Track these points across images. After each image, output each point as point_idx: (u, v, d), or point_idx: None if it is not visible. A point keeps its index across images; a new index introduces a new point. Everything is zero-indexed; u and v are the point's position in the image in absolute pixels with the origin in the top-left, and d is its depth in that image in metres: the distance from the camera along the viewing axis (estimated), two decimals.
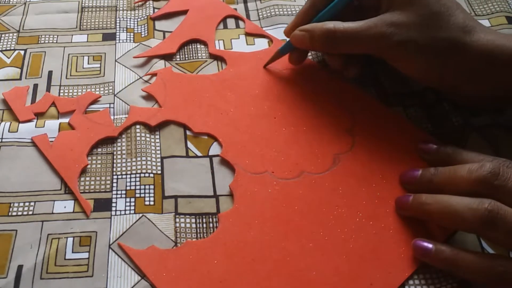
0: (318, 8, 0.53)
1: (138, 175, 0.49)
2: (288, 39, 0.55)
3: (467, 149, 0.48)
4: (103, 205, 0.47)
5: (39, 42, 0.60)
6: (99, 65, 0.58)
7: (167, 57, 0.59)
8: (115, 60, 0.59)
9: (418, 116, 0.53)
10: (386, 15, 0.48)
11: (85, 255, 0.44)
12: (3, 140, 0.51)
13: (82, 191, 0.48)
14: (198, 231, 0.46)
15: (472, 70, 0.47)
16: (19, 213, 0.46)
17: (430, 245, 0.42)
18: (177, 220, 0.46)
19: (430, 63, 0.48)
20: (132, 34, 0.62)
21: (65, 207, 0.47)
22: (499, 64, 0.46)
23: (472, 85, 0.49)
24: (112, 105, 0.54)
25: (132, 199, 0.47)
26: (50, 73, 0.57)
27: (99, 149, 0.51)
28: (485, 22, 0.62)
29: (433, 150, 0.48)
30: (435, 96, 0.54)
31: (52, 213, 0.46)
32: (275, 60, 0.57)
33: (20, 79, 0.57)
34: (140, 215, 0.46)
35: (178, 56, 0.59)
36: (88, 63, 0.58)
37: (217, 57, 0.59)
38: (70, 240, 0.45)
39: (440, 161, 0.47)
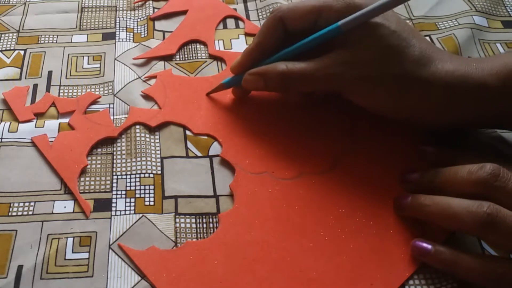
0: (266, 46, 0.51)
1: (138, 175, 0.49)
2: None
3: (467, 150, 0.49)
4: (103, 205, 0.47)
5: (39, 42, 0.60)
6: (98, 65, 0.58)
7: (167, 57, 0.59)
8: (115, 59, 0.58)
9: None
10: (339, 53, 0.47)
11: (85, 255, 0.44)
12: (3, 140, 0.51)
13: (82, 191, 0.48)
14: (198, 231, 0.45)
15: (432, 102, 0.46)
16: (19, 213, 0.46)
17: (429, 246, 0.42)
18: (177, 220, 0.46)
19: (386, 98, 0.47)
20: (131, 34, 0.62)
21: (65, 207, 0.47)
22: (460, 95, 0.45)
23: (430, 115, 0.47)
24: (112, 105, 0.54)
25: (132, 199, 0.47)
26: (50, 73, 0.57)
27: (99, 149, 0.51)
28: (483, 21, 0.62)
29: (434, 150, 0.48)
30: None
31: (52, 213, 0.46)
32: (218, 91, 0.55)
33: (20, 79, 0.57)
34: (140, 215, 0.46)
35: (178, 57, 0.59)
36: (88, 63, 0.58)
37: (217, 58, 0.59)
38: (70, 240, 0.45)
39: (440, 162, 0.47)
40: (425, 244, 0.42)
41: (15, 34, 0.61)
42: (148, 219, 0.46)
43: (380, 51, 0.46)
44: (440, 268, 0.42)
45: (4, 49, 0.59)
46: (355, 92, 0.48)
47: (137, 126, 0.52)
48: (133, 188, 0.48)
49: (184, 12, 0.64)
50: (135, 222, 0.46)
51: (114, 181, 0.48)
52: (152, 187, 0.48)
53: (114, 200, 0.47)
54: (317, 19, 0.48)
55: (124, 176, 0.49)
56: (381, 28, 0.46)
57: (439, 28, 0.62)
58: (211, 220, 0.46)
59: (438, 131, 0.51)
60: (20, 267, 0.43)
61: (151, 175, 0.49)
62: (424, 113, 0.47)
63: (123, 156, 0.50)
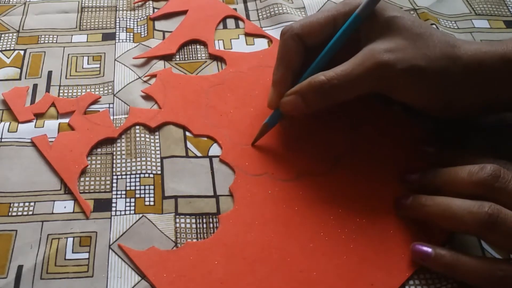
0: (294, 70, 0.49)
1: (138, 175, 0.49)
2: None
3: (467, 150, 0.49)
4: (103, 205, 0.47)
5: (39, 42, 0.60)
6: (98, 65, 0.58)
7: (167, 57, 0.59)
8: (115, 59, 0.58)
9: (419, 115, 0.53)
10: (373, 45, 0.46)
11: (85, 255, 0.44)
12: (3, 140, 0.51)
13: (82, 191, 0.48)
14: (198, 231, 0.45)
15: (467, 81, 0.46)
16: (19, 213, 0.46)
17: (429, 250, 0.42)
18: (177, 220, 0.46)
19: (431, 84, 0.46)
20: (131, 34, 0.62)
21: (65, 207, 0.47)
22: (491, 69, 0.45)
23: (468, 97, 0.47)
24: (111, 105, 0.54)
25: (132, 200, 0.47)
26: (50, 73, 0.57)
27: (99, 150, 0.51)
28: (484, 23, 0.62)
29: (434, 151, 0.48)
30: None
31: (52, 213, 0.46)
32: (264, 135, 0.51)
33: (20, 79, 0.57)
34: (140, 215, 0.46)
35: (178, 57, 0.59)
36: (88, 63, 0.58)
37: (217, 58, 0.59)
38: (70, 240, 0.45)
39: (440, 162, 0.47)
40: (425, 248, 0.42)
41: (15, 34, 0.61)
42: (148, 219, 0.46)
43: (411, 38, 0.46)
44: (440, 272, 0.42)
45: (4, 49, 0.59)
46: (402, 84, 0.46)
47: (137, 127, 0.52)
48: (133, 188, 0.48)
49: (184, 12, 0.64)
50: (135, 222, 0.46)
51: (114, 181, 0.48)
52: (152, 187, 0.48)
53: (114, 200, 0.47)
54: (334, 28, 0.49)
55: (124, 176, 0.49)
56: (403, 20, 0.47)
57: (441, 24, 0.62)
58: (211, 220, 0.46)
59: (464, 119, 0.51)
60: (20, 267, 0.43)
61: (151, 175, 0.49)
62: (462, 96, 0.47)
63: (123, 156, 0.50)
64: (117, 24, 0.63)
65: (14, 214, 0.46)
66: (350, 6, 0.48)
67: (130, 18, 0.64)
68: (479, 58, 0.45)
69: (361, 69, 0.46)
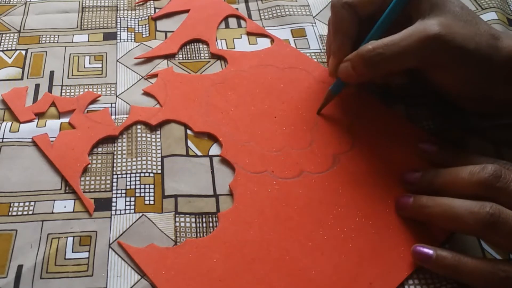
0: (351, 39, 0.50)
1: (138, 175, 0.49)
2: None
3: (468, 150, 0.48)
4: (103, 204, 0.47)
5: (40, 42, 0.60)
6: (100, 65, 0.58)
7: (170, 57, 0.59)
8: (117, 60, 0.59)
9: (420, 115, 0.53)
10: (426, 20, 0.46)
11: (85, 254, 0.44)
12: (4, 140, 0.51)
13: (82, 190, 0.48)
14: (198, 230, 0.45)
15: (503, 76, 0.46)
16: (19, 213, 0.46)
17: (430, 251, 0.42)
18: (177, 219, 0.46)
19: (473, 70, 0.46)
20: (133, 33, 0.62)
21: (65, 207, 0.47)
22: None
23: (504, 92, 0.47)
24: (113, 105, 0.54)
25: (132, 199, 0.47)
26: (51, 73, 0.57)
27: (100, 149, 0.51)
28: (492, 15, 0.62)
29: (434, 150, 0.48)
30: (438, 96, 0.54)
31: (52, 212, 0.46)
32: (329, 102, 0.53)
33: (21, 79, 0.57)
34: (140, 214, 0.46)
35: (181, 56, 0.59)
36: (89, 63, 0.58)
37: (219, 57, 0.59)
38: (70, 239, 0.45)
39: (441, 162, 0.47)
40: (426, 250, 0.42)
41: (16, 34, 0.61)
42: (148, 218, 0.46)
43: (461, 20, 0.46)
44: (442, 274, 0.42)
45: (5, 49, 0.60)
46: (449, 62, 0.46)
47: (138, 126, 0.52)
48: (133, 187, 0.48)
49: (185, 12, 0.64)
50: (135, 221, 0.46)
51: (114, 180, 0.49)
52: (152, 186, 0.48)
53: (114, 200, 0.47)
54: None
55: (124, 175, 0.49)
56: (451, 4, 0.46)
57: None
58: (211, 219, 0.46)
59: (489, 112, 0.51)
60: (20, 267, 0.43)
61: (151, 174, 0.49)
62: (499, 90, 0.47)
63: (124, 156, 0.50)
64: (118, 24, 0.63)
65: (14, 213, 0.46)
66: None
67: (131, 18, 0.64)
68: None
69: (410, 40, 0.45)
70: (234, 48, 0.60)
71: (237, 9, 0.65)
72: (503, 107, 0.49)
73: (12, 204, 0.47)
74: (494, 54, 0.45)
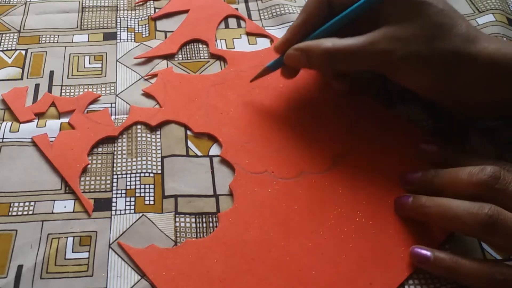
0: (311, 23, 0.51)
1: (138, 175, 0.49)
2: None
3: (468, 151, 0.48)
4: (103, 204, 0.47)
5: (40, 42, 0.60)
6: (100, 65, 0.58)
7: (169, 57, 0.59)
8: (117, 60, 0.59)
9: (420, 115, 0.53)
10: (387, 29, 0.46)
11: (85, 254, 0.44)
12: (4, 140, 0.51)
13: (82, 190, 0.48)
14: (198, 230, 0.45)
15: (478, 80, 0.46)
16: (19, 213, 0.46)
17: (428, 253, 0.42)
18: (177, 219, 0.46)
19: (435, 75, 0.46)
20: (133, 33, 0.62)
21: (65, 207, 0.47)
22: (506, 72, 0.45)
23: (477, 95, 0.47)
24: (113, 105, 0.54)
25: (132, 199, 0.47)
26: (51, 73, 0.57)
27: (100, 149, 0.51)
28: (489, 17, 0.62)
29: (434, 151, 0.48)
30: None
31: (52, 212, 0.46)
32: (263, 76, 0.54)
33: (21, 79, 0.57)
34: (140, 214, 0.46)
35: (180, 56, 0.59)
36: (89, 63, 0.58)
37: (219, 57, 0.59)
38: (70, 239, 0.45)
39: (441, 162, 0.47)
40: (424, 251, 0.42)
41: (16, 34, 0.61)
42: (148, 219, 0.46)
43: (430, 28, 0.46)
44: (440, 275, 0.42)
45: (5, 49, 0.60)
46: (403, 71, 0.47)
47: (138, 126, 0.52)
48: (133, 187, 0.48)
49: (185, 12, 0.64)
50: (135, 222, 0.46)
51: (114, 180, 0.49)
52: (152, 186, 0.48)
53: (114, 200, 0.47)
54: None
55: (124, 175, 0.49)
56: (430, 6, 0.46)
57: None
58: (211, 219, 0.46)
59: (474, 116, 0.51)
60: (20, 267, 0.43)
61: (151, 175, 0.49)
62: (469, 91, 0.47)
63: (124, 156, 0.50)
64: (118, 24, 0.63)
65: (14, 214, 0.46)
66: None
67: (131, 18, 0.64)
68: (496, 58, 0.45)
69: (366, 49, 0.47)
70: (234, 48, 0.61)
71: (236, 9, 0.65)
72: (484, 109, 0.49)
73: (12, 204, 0.47)
74: (462, 59, 0.45)
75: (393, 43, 0.46)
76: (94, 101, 0.55)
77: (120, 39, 0.61)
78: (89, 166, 0.49)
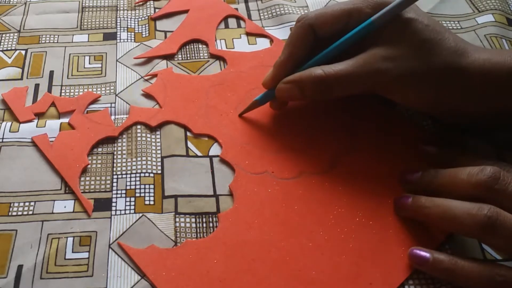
0: (298, 55, 0.50)
1: (138, 175, 0.49)
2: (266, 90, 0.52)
3: (468, 151, 0.48)
4: (103, 204, 0.47)
5: (40, 42, 0.60)
6: (100, 65, 0.58)
7: (169, 57, 0.59)
8: (116, 60, 0.59)
9: (420, 115, 0.53)
10: (377, 50, 0.47)
11: (85, 254, 0.44)
12: (4, 140, 0.51)
13: (82, 190, 0.48)
14: (198, 230, 0.45)
15: (470, 91, 0.46)
16: (19, 213, 0.46)
17: (427, 254, 0.42)
18: (177, 219, 0.46)
19: (428, 91, 0.46)
20: (133, 33, 0.62)
21: (65, 207, 0.47)
22: (498, 82, 0.45)
23: (470, 107, 0.47)
24: (113, 105, 0.54)
25: (132, 199, 0.47)
26: (51, 73, 0.57)
27: (100, 149, 0.51)
28: (489, 17, 0.62)
29: (434, 151, 0.48)
30: None
31: (52, 213, 0.46)
32: (251, 110, 0.53)
33: (21, 79, 0.57)
34: (140, 214, 0.46)
35: (180, 56, 0.59)
36: (89, 63, 0.58)
37: (219, 57, 0.59)
38: (70, 240, 0.45)
39: (441, 162, 0.47)
40: (423, 253, 0.42)
41: (16, 34, 0.61)
42: (148, 219, 0.46)
43: (417, 45, 0.46)
44: (439, 277, 0.42)
45: (5, 49, 0.60)
46: (397, 88, 0.47)
47: (138, 126, 0.52)
48: (133, 187, 0.48)
49: (185, 12, 0.64)
50: (135, 222, 0.46)
51: (114, 180, 0.49)
52: (152, 186, 0.48)
53: (114, 200, 0.47)
54: (348, 22, 0.49)
55: (124, 176, 0.49)
56: (415, 23, 0.46)
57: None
58: (211, 219, 0.46)
59: (469, 126, 0.51)
60: (20, 267, 0.43)
61: (151, 175, 0.49)
62: (462, 103, 0.47)
63: (124, 156, 0.50)
64: (118, 24, 0.63)
65: (14, 214, 0.46)
66: (368, 3, 0.48)
67: (131, 18, 0.64)
68: (486, 69, 0.45)
69: (359, 72, 0.47)
70: (234, 48, 0.61)
71: (236, 9, 0.65)
72: (479, 118, 0.49)
73: (12, 204, 0.47)
74: (452, 73, 0.45)
75: (386, 63, 0.46)
76: (94, 101, 0.55)
77: (120, 39, 0.61)
78: (89, 166, 0.49)
